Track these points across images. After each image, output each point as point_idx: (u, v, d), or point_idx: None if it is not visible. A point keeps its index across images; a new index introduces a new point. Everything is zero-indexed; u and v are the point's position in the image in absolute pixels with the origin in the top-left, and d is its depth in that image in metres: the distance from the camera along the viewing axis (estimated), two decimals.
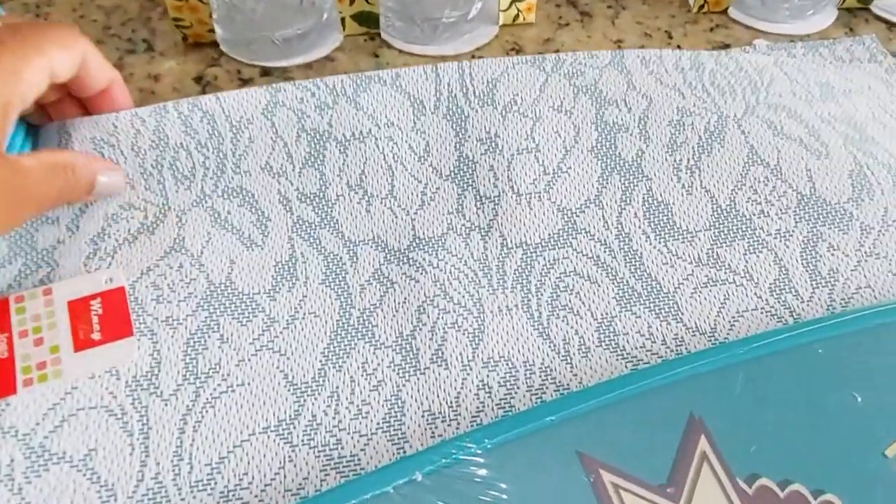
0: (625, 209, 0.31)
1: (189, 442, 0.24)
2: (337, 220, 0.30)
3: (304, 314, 0.28)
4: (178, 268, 0.28)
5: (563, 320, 0.28)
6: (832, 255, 0.30)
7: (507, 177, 0.31)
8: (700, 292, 0.29)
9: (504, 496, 0.22)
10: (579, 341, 0.27)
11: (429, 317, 0.28)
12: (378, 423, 0.25)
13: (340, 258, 0.29)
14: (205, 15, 0.38)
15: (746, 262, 0.30)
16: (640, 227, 0.30)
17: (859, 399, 0.25)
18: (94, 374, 0.25)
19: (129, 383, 0.25)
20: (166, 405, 0.25)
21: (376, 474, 0.22)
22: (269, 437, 0.25)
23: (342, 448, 0.25)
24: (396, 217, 0.30)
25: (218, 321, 0.27)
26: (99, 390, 0.25)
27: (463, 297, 0.28)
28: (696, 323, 0.28)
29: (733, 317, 0.28)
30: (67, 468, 0.24)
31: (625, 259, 0.30)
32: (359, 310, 0.28)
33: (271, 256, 0.29)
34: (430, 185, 0.31)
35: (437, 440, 0.25)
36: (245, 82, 0.38)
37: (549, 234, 0.30)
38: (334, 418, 0.25)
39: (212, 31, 0.38)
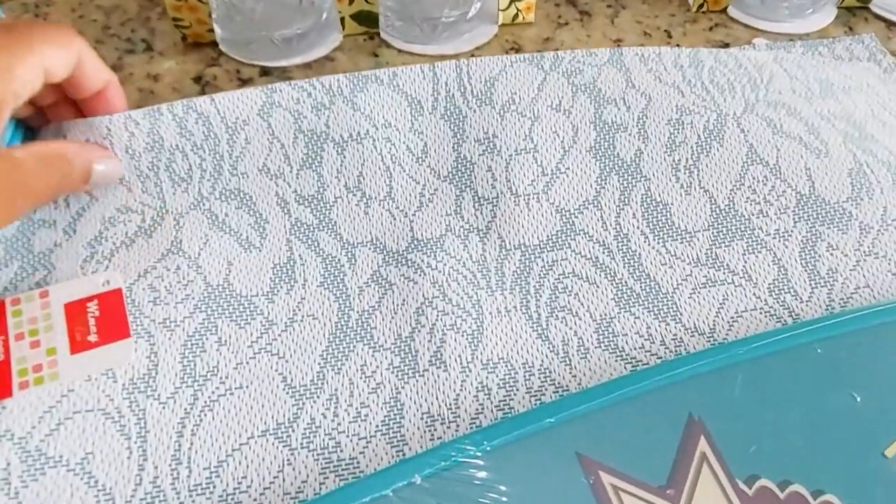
0: (623, 210, 0.31)
1: (187, 445, 0.24)
2: (335, 221, 0.30)
3: (303, 316, 0.27)
4: (175, 270, 0.28)
5: (561, 321, 0.28)
6: (831, 254, 0.30)
7: (506, 178, 0.31)
8: (699, 293, 0.29)
9: (504, 498, 0.22)
10: (578, 342, 0.27)
11: (427, 319, 0.27)
12: (377, 426, 0.25)
13: (339, 260, 0.29)
14: (204, 15, 0.37)
15: (745, 262, 0.30)
16: (638, 228, 0.30)
17: (859, 399, 0.25)
18: (90, 377, 0.25)
19: (126, 386, 0.25)
20: (164, 408, 0.25)
21: (375, 477, 0.22)
22: (267, 440, 0.25)
23: (341, 451, 0.25)
24: (395, 219, 0.30)
25: (216, 323, 0.27)
26: (96, 393, 0.25)
27: (462, 298, 0.28)
28: (694, 323, 0.28)
29: (732, 317, 0.28)
30: (64, 472, 0.23)
31: (623, 260, 0.30)
32: (357, 312, 0.28)
33: (269, 258, 0.29)
34: (429, 186, 0.31)
35: (437, 442, 0.25)
36: (244, 82, 0.38)
37: (548, 236, 0.30)
38: (333, 421, 0.25)
39: (211, 30, 0.38)
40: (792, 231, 0.30)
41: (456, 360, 0.26)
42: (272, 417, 0.25)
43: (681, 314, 0.28)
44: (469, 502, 0.22)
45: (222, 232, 0.29)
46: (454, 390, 0.26)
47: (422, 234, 0.30)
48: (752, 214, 0.31)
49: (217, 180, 0.30)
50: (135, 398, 0.25)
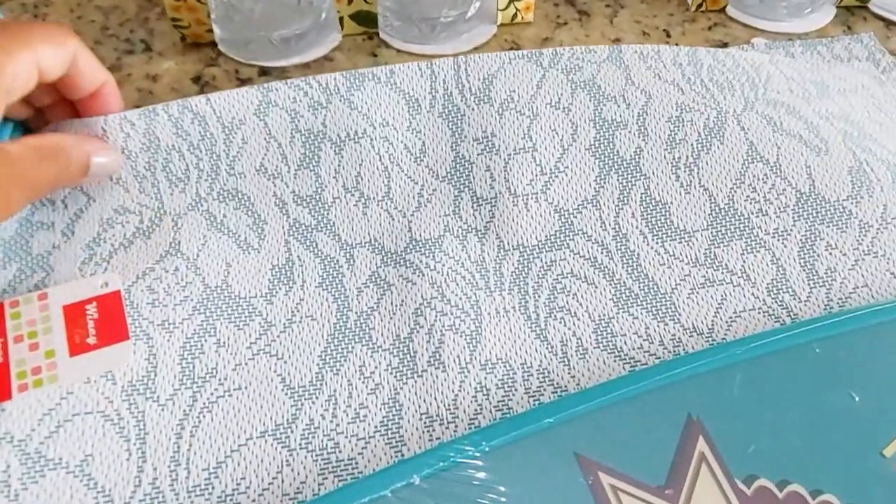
0: (622, 209, 0.31)
1: (186, 447, 0.24)
2: (333, 222, 0.30)
3: (301, 318, 0.27)
4: (173, 271, 0.28)
5: (560, 322, 0.28)
6: (830, 254, 0.30)
7: (504, 177, 0.31)
8: (697, 293, 0.29)
9: (502, 499, 0.22)
10: (577, 343, 0.27)
11: (426, 319, 0.27)
12: (375, 427, 0.25)
13: (337, 261, 0.29)
14: (203, 15, 0.37)
15: (744, 262, 0.30)
16: (637, 228, 0.30)
17: (857, 399, 0.25)
18: (89, 379, 0.25)
19: (125, 388, 0.25)
20: (163, 410, 0.25)
21: (374, 478, 0.22)
22: (266, 441, 0.25)
23: (340, 452, 0.25)
24: (393, 219, 0.30)
25: (214, 325, 0.27)
26: (95, 395, 0.25)
27: (460, 299, 0.28)
28: (693, 323, 0.28)
29: (731, 317, 0.28)
30: (64, 474, 0.23)
31: (622, 260, 0.30)
32: (356, 313, 0.28)
33: (268, 260, 0.29)
34: (427, 186, 0.31)
35: (435, 443, 0.25)
36: (243, 82, 0.38)
37: (546, 236, 0.30)
38: (332, 422, 0.25)
39: (210, 30, 0.38)
40: (791, 230, 0.30)
41: (454, 361, 0.26)
42: (271, 418, 0.25)
43: (679, 314, 0.28)
44: (468, 503, 0.22)
45: (220, 233, 0.29)
46: (453, 391, 0.26)
47: (420, 235, 0.30)
48: (752, 213, 0.31)
49: (214, 181, 0.30)
50: (134, 400, 0.25)
